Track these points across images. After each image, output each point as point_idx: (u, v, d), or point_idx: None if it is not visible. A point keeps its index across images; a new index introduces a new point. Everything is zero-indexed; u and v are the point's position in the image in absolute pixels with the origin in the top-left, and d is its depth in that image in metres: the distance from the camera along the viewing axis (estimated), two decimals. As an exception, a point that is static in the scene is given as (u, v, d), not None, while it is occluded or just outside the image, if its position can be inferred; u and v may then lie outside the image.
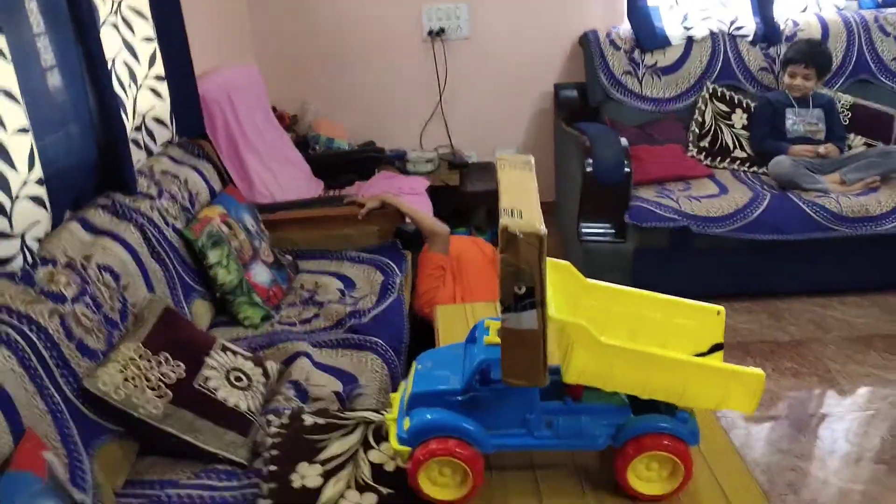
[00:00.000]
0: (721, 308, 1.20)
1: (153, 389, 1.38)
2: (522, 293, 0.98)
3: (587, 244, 2.66)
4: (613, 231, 2.64)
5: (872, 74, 3.10)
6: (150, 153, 2.13)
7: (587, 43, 3.13)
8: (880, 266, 2.73)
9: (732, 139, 2.97)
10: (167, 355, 1.46)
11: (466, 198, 3.20)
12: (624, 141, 2.66)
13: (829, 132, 2.88)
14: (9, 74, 1.43)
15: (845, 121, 2.97)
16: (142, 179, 1.94)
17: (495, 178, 1.12)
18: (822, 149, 2.78)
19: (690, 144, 2.99)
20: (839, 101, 2.99)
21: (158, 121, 2.16)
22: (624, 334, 1.22)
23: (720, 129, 2.98)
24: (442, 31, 3.32)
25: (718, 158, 2.96)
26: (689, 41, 3.09)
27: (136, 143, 2.01)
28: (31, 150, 1.49)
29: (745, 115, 2.99)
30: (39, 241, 1.48)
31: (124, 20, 2.00)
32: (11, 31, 1.44)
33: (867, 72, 3.10)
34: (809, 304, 2.71)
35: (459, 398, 1.09)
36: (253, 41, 3.31)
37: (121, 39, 1.98)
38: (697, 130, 3.00)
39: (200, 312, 1.92)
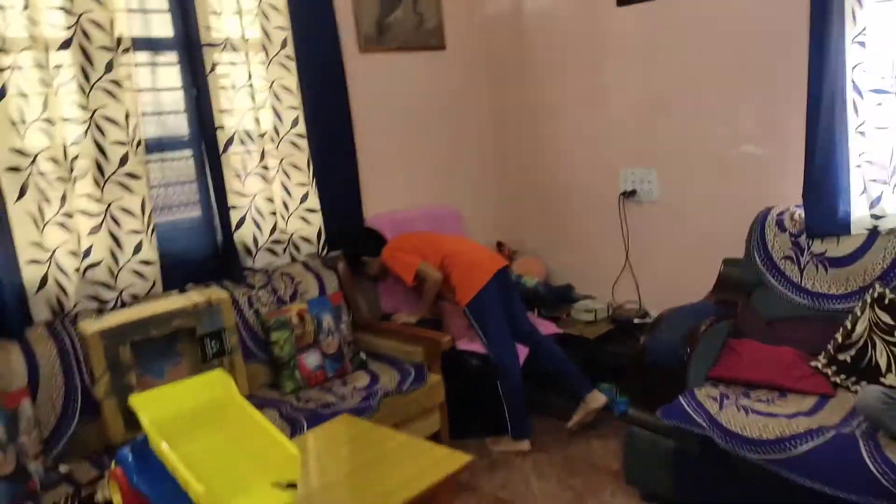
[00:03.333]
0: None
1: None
2: None
3: (631, 427, 2.47)
4: (656, 421, 2.39)
5: None
6: (294, 259, 3.05)
7: (755, 220, 2.83)
8: None
9: (889, 359, 2.28)
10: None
11: (601, 354, 3.20)
12: (689, 324, 2.44)
13: None
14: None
15: None
16: (259, 275, 2.87)
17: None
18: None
19: (823, 354, 2.40)
20: None
21: (305, 239, 3.08)
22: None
23: (872, 343, 2.32)
24: (634, 192, 3.42)
25: (854, 378, 2.30)
26: (874, 232, 2.50)
27: (271, 251, 2.95)
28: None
29: (918, 334, 2.27)
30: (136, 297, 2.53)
31: (283, 171, 3.00)
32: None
33: None
34: None
35: None
36: (482, 183, 3.99)
37: (280, 182, 2.98)
38: (840, 339, 2.39)
39: (252, 373, 2.69)
